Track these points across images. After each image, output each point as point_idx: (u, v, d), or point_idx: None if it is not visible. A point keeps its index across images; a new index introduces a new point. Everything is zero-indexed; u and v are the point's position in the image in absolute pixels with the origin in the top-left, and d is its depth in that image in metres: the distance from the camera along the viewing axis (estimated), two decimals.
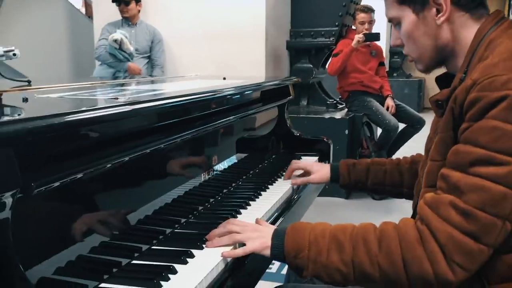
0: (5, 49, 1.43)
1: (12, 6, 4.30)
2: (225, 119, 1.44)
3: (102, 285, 0.88)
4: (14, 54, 1.44)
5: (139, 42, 4.07)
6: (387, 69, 9.75)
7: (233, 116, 1.51)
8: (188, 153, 1.32)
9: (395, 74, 9.68)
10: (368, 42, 4.12)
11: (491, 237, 0.88)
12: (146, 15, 4.23)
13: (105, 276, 0.90)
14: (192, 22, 4.17)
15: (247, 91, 1.56)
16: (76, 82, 1.59)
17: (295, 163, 1.59)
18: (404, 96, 9.41)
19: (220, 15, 4.07)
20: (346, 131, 3.95)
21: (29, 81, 1.51)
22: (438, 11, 1.04)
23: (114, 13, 4.10)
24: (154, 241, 1.07)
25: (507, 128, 0.86)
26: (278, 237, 1.03)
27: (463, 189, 0.89)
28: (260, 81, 1.79)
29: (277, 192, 1.46)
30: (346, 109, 4.34)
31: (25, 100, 0.94)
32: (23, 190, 0.66)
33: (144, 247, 1.03)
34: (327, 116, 4.06)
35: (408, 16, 1.07)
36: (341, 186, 1.48)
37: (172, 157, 1.22)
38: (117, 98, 1.00)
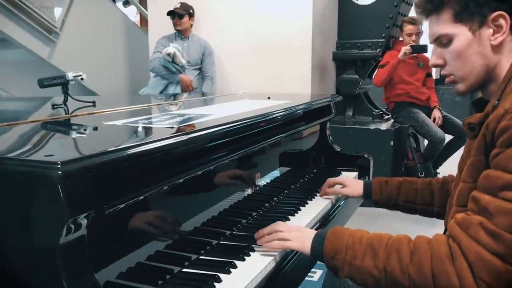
0: (74, 74, 1.61)
1: (76, 18, 4.62)
2: (269, 140, 1.56)
3: None
4: (82, 78, 1.62)
5: (191, 55, 4.26)
6: (438, 77, 9.59)
7: (277, 136, 1.63)
8: (234, 170, 1.45)
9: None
10: (415, 54, 4.13)
11: None
12: (198, 28, 4.42)
13: (160, 282, 1.04)
14: (242, 35, 4.33)
15: (290, 113, 1.67)
16: (131, 104, 1.75)
17: (331, 179, 1.68)
18: (455, 104, 9.20)
19: (268, 27, 4.21)
20: (391, 142, 3.98)
21: (94, 103, 1.69)
22: (496, 32, 1.07)
23: (168, 26, 4.32)
24: (202, 251, 1.20)
25: None
26: (319, 239, 1.13)
27: (492, 212, 0.94)
28: (303, 101, 1.89)
29: (316, 207, 1.57)
30: (392, 120, 4.37)
31: (95, 129, 1.10)
32: (96, 211, 0.80)
33: (194, 257, 1.17)
34: (372, 127, 4.10)
35: (463, 34, 1.09)
36: (373, 202, 1.55)
37: (220, 175, 1.35)
38: (173, 127, 1.14)
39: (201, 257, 1.18)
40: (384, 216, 4.01)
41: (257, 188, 1.56)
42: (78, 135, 1.16)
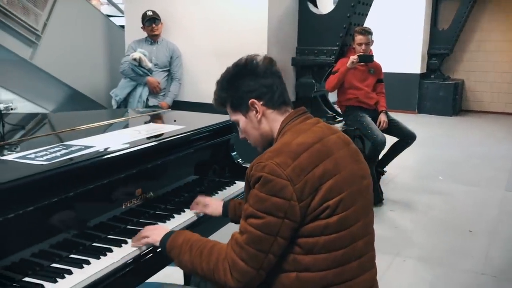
0: (5, 105, 2.05)
1: (58, 21, 5.04)
2: (153, 162, 1.98)
3: (26, 278, 1.46)
4: (12, 108, 2.06)
5: (159, 58, 4.68)
6: (425, 70, 9.85)
7: (174, 155, 2.08)
8: (132, 182, 1.87)
9: (432, 76, 9.76)
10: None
11: (255, 263, 1.38)
12: (169, 33, 4.82)
13: (29, 272, 1.48)
14: (206, 42, 4.74)
15: (163, 143, 2.06)
16: (53, 129, 2.18)
17: (200, 196, 2.06)
18: (438, 98, 9.48)
19: (228, 36, 4.60)
20: None
21: (23, 127, 2.13)
22: (257, 112, 1.54)
23: (142, 30, 4.72)
24: (74, 250, 1.64)
25: (261, 195, 1.37)
26: (165, 237, 1.61)
27: (242, 231, 1.42)
28: (199, 126, 2.31)
29: (188, 215, 1.99)
30: (343, 122, 4.75)
31: None
32: None
33: (65, 254, 1.60)
34: None
35: (241, 118, 1.61)
36: (231, 220, 1.97)
37: (119, 187, 1.79)
38: (43, 164, 1.57)
39: (71, 255, 1.61)
40: None
41: (144, 198, 1.98)
42: None
